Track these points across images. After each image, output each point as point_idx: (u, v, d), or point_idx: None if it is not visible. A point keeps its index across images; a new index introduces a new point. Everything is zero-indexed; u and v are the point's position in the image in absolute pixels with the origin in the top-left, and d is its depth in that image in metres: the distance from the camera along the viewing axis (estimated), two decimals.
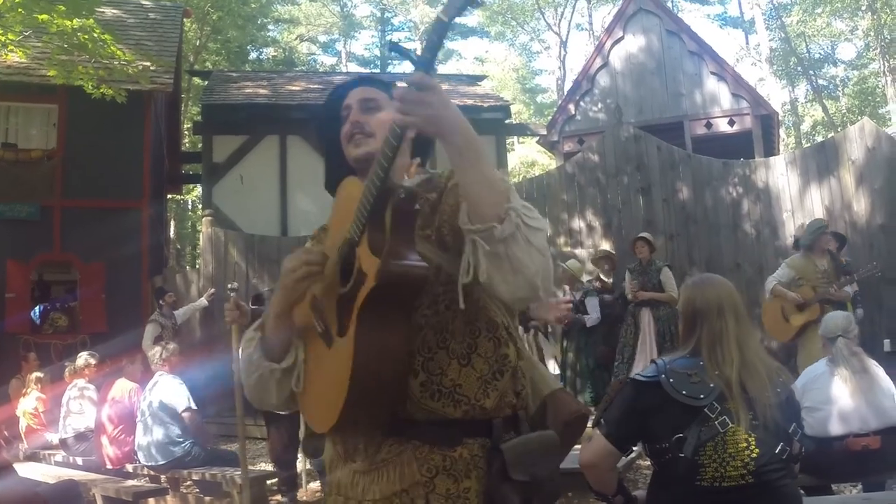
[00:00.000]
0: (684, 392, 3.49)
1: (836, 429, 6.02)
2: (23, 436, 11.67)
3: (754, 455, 3.38)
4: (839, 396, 6.10)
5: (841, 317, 6.70)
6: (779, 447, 3.46)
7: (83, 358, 11.24)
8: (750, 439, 3.40)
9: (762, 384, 3.52)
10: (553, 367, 12.09)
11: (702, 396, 3.47)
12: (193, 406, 9.21)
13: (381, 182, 2.22)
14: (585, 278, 13.28)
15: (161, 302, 14.24)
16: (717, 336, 3.64)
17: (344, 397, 2.17)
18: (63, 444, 10.85)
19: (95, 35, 12.81)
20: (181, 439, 9.10)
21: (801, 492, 3.93)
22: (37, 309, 16.84)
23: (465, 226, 2.18)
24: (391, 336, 2.22)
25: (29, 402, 11.79)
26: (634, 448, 4.30)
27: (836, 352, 6.27)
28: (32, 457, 11.49)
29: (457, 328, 2.37)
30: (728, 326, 3.65)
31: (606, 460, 3.70)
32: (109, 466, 9.77)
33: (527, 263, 2.14)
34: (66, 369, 11.33)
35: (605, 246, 14.75)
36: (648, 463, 5.32)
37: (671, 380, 3.53)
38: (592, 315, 12.11)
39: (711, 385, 3.49)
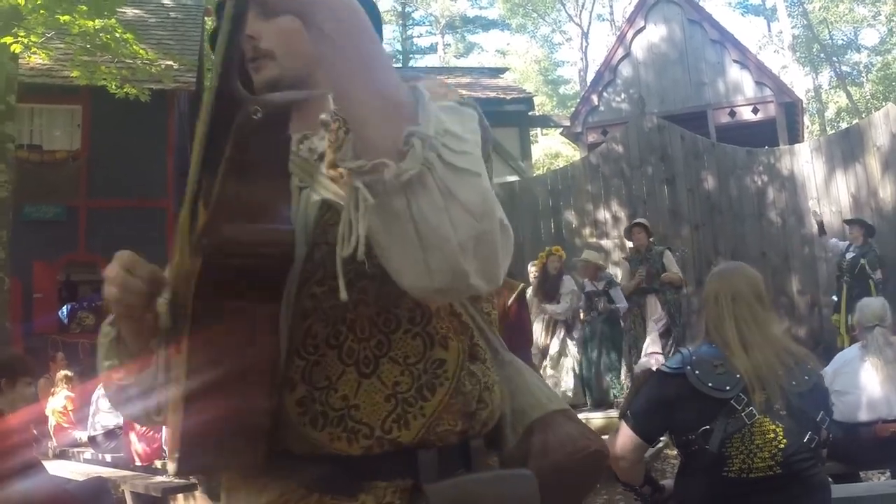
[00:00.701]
0: (710, 384, 3.45)
1: (864, 415, 5.98)
2: (52, 434, 11.74)
3: (782, 446, 3.34)
4: (869, 383, 6.06)
5: (878, 305, 6.65)
6: (807, 436, 3.43)
7: None
8: (777, 430, 3.36)
9: (787, 372, 3.49)
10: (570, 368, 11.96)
11: (728, 388, 3.42)
12: None
13: (218, 87, 1.34)
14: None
15: None
16: (742, 324, 3.60)
17: (179, 428, 1.37)
18: (92, 441, 10.91)
19: (117, 35, 12.84)
20: None
21: (829, 479, 3.90)
22: (64, 308, 16.94)
23: (342, 163, 1.33)
24: (237, 336, 1.39)
25: (58, 401, 11.85)
26: (662, 438, 4.28)
27: (872, 340, 6.22)
28: (62, 455, 11.56)
29: (360, 318, 1.54)
30: (751, 314, 3.61)
31: (633, 453, 3.66)
32: (138, 463, 9.83)
33: (444, 230, 1.28)
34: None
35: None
36: (676, 452, 5.29)
37: (696, 371, 3.49)
38: (621, 304, 11.77)
39: (737, 375, 3.45)
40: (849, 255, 12.14)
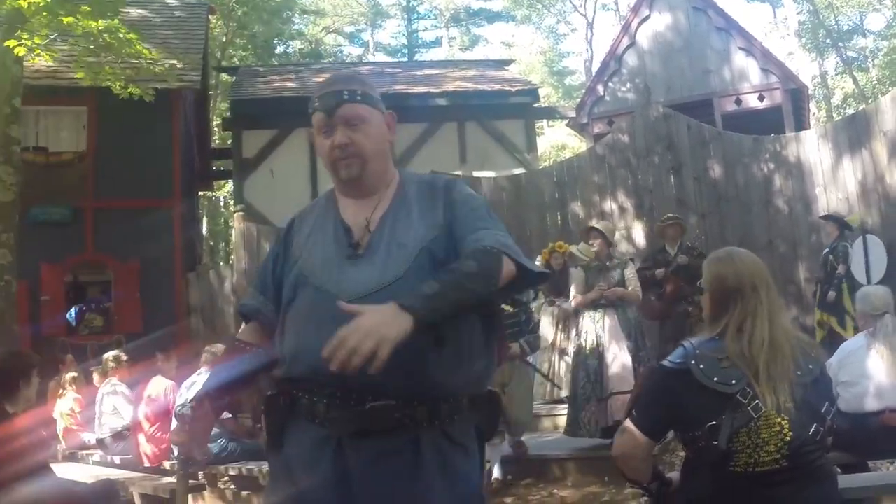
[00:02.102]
0: (715, 378, 3.40)
1: (871, 404, 5.97)
2: (61, 437, 11.75)
3: (788, 439, 3.31)
4: (876, 372, 6.05)
5: (883, 292, 6.64)
6: (812, 428, 3.40)
7: (110, 358, 11.33)
8: (783, 423, 3.33)
9: (792, 363, 3.45)
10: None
11: (733, 382, 3.38)
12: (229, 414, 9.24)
13: None
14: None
15: None
16: (751, 313, 3.53)
17: None
18: (100, 443, 10.94)
19: (121, 35, 12.84)
20: (218, 437, 9.14)
21: (837, 469, 3.88)
22: (72, 310, 16.96)
23: None
24: None
25: (65, 403, 11.86)
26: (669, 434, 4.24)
27: (881, 327, 6.20)
28: (71, 457, 11.59)
29: None
30: (762, 303, 3.55)
31: (640, 451, 3.62)
32: (147, 464, 9.85)
33: None
34: (94, 371, 11.43)
35: (638, 227, 14.74)
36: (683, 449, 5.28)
37: (701, 365, 3.44)
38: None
39: (742, 368, 3.42)
40: (824, 252, 12.22)
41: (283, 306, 3.05)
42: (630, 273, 9.80)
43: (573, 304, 10.10)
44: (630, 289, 9.63)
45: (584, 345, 9.60)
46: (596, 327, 9.52)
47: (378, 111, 3.11)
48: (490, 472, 8.73)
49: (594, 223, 10.57)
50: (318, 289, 2.89)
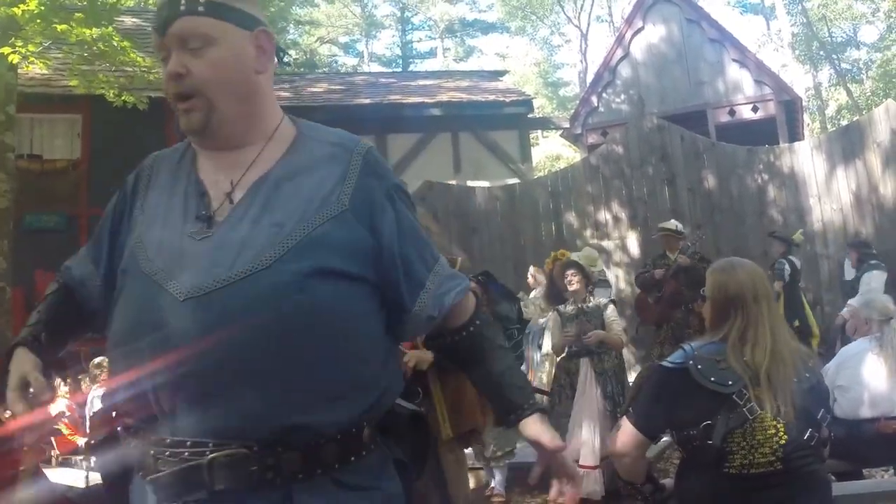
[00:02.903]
0: (713, 379, 3.44)
1: (867, 411, 5.98)
2: (53, 442, 11.73)
3: (782, 442, 3.35)
4: (873, 379, 6.05)
5: (886, 299, 6.68)
6: (807, 433, 3.43)
7: (97, 364, 11.33)
8: (778, 426, 3.36)
9: (791, 370, 3.49)
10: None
11: (730, 383, 3.42)
12: None
13: None
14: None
15: None
16: (753, 321, 3.57)
17: None
18: (92, 448, 10.92)
19: (115, 43, 12.84)
20: None
21: (832, 477, 3.90)
22: None
23: None
24: None
25: (56, 408, 11.85)
26: (665, 437, 4.27)
27: (889, 332, 6.21)
28: (64, 462, 11.57)
29: None
30: (763, 312, 3.60)
31: (636, 449, 3.67)
32: None
33: None
34: (82, 379, 11.43)
35: (632, 237, 14.76)
36: (679, 452, 5.30)
37: (699, 366, 3.48)
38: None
39: (739, 371, 3.45)
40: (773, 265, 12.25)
41: (114, 294, 2.21)
42: (611, 314, 8.57)
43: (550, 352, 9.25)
44: (613, 332, 8.39)
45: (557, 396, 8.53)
46: (572, 379, 8.35)
47: (237, 28, 2.20)
48: (488, 483, 8.64)
49: (575, 256, 9.25)
50: (148, 278, 2.06)
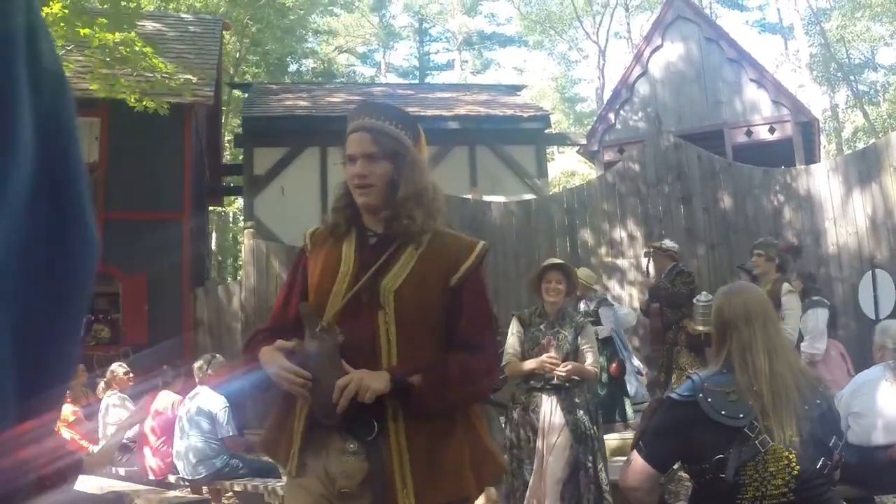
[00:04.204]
0: (723, 412, 3.44)
1: (880, 438, 5.97)
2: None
3: (796, 472, 3.34)
4: (887, 405, 6.05)
5: None
6: (820, 462, 3.43)
7: (112, 370, 11.34)
8: (791, 456, 3.36)
9: (798, 397, 3.48)
10: None
11: (741, 416, 3.42)
12: (233, 432, 9.30)
13: None
14: (598, 287, 12.54)
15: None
16: (747, 346, 3.58)
17: None
18: None
19: (137, 48, 12.91)
20: (220, 453, 9.18)
21: (844, 503, 3.89)
22: None
23: None
24: None
25: (64, 412, 11.85)
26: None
27: None
28: None
29: None
30: (755, 335, 3.60)
31: (647, 482, 3.66)
32: (152, 477, 9.87)
33: None
34: (99, 383, 11.44)
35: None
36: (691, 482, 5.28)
37: (709, 399, 3.47)
38: (606, 326, 10.67)
39: (749, 402, 3.44)
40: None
41: None
42: (586, 341, 7.02)
43: (506, 369, 6.98)
44: (587, 362, 6.92)
45: (515, 438, 7.02)
46: (531, 418, 6.91)
47: None
48: None
49: (554, 260, 7.53)
50: None
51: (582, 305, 10.68)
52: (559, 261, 7.51)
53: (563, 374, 6.72)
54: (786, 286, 8.90)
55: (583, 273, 10.71)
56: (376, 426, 2.89)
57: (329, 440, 2.99)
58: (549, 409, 6.81)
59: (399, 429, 2.90)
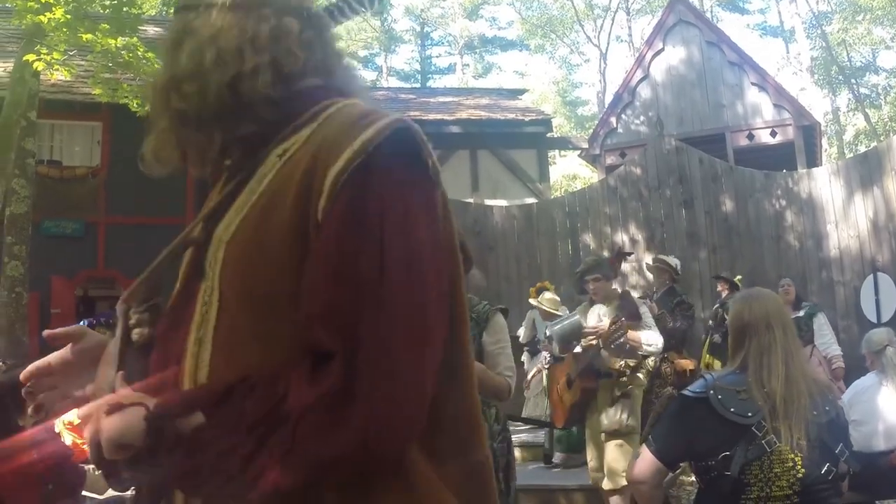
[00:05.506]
0: (732, 409, 3.46)
1: (881, 444, 5.97)
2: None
3: (800, 475, 3.35)
4: (886, 410, 6.05)
5: (883, 330, 6.69)
6: (825, 467, 3.43)
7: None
8: (796, 459, 3.37)
9: (807, 401, 3.49)
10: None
11: (750, 415, 3.43)
12: None
13: None
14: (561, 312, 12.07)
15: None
16: (765, 350, 3.59)
17: None
18: None
19: (139, 53, 12.90)
20: None
21: None
22: (82, 324, 16.98)
23: None
24: None
25: (67, 415, 11.83)
26: (681, 465, 4.28)
27: (886, 361, 6.24)
28: None
29: None
30: (776, 340, 3.61)
31: (654, 477, 3.67)
32: None
33: None
34: None
35: (649, 260, 14.70)
36: (692, 479, 5.28)
37: (719, 396, 3.50)
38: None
39: (759, 402, 3.46)
40: (715, 307, 12.05)
41: None
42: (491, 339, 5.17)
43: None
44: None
45: None
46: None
47: None
48: None
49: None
50: None
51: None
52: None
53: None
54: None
55: (548, 296, 10.74)
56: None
57: None
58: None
59: None
